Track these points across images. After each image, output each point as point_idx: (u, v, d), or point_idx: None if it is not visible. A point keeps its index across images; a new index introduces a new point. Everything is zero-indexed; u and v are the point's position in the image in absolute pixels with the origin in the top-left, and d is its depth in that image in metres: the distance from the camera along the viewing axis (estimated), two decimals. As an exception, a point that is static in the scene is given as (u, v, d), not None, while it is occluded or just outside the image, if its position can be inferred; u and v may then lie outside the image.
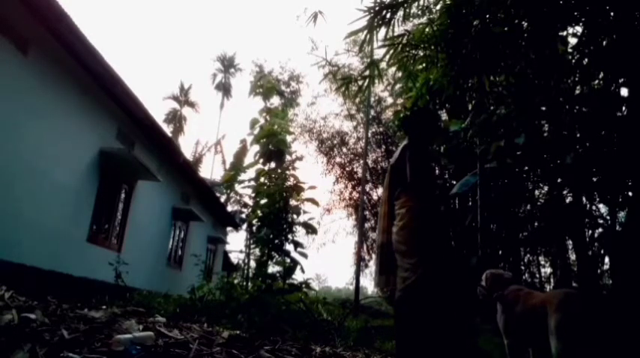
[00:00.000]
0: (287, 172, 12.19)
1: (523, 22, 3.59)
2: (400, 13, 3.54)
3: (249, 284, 10.96)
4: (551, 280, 8.39)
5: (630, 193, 3.59)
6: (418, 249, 2.74)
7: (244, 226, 17.36)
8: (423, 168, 2.90)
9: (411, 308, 2.67)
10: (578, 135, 3.98)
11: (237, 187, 16.40)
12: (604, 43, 3.43)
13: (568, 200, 4.96)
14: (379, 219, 3.13)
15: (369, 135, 12.69)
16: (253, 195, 13.61)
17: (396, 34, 3.69)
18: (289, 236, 11.40)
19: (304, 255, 12.05)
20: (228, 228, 17.91)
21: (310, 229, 12.68)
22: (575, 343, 2.32)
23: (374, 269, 3.14)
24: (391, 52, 3.77)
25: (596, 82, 3.87)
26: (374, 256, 15.70)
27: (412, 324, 2.66)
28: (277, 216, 10.81)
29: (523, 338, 2.70)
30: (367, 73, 4.17)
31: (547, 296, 2.66)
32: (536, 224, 6.74)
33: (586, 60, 3.66)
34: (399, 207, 2.91)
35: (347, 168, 15.41)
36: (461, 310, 2.81)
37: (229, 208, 18.49)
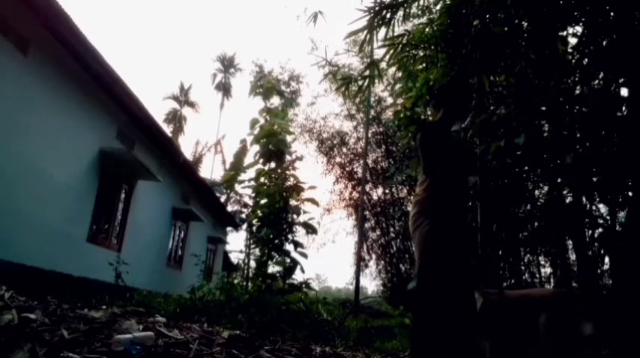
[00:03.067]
0: (287, 172, 12.16)
1: (523, 22, 3.59)
2: (400, 13, 3.54)
3: (249, 284, 10.95)
4: (551, 280, 8.38)
5: (630, 193, 3.59)
6: (417, 240, 2.62)
7: (244, 226, 17.35)
8: (434, 154, 2.69)
9: (418, 302, 2.55)
10: (578, 135, 3.97)
11: (237, 187, 16.37)
12: (604, 43, 3.43)
13: (568, 200, 4.95)
14: None
15: (369, 135, 12.70)
16: (253, 195, 13.59)
17: (396, 34, 3.69)
18: (289, 236, 11.37)
19: (304, 255, 12.02)
20: (228, 228, 17.91)
21: (310, 229, 12.65)
22: (561, 342, 2.29)
23: None
24: (391, 52, 3.77)
25: (596, 82, 3.87)
26: (374, 256, 15.72)
27: (422, 319, 2.53)
28: (277, 216, 10.79)
29: (505, 341, 2.63)
30: (367, 73, 4.16)
31: (531, 294, 2.60)
32: (536, 224, 6.73)
33: (586, 60, 3.66)
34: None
35: (347, 168, 15.41)
36: (469, 308, 2.64)
37: (229, 208, 18.50)
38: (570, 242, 5.75)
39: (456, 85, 3.01)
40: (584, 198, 4.50)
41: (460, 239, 2.64)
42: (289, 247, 11.29)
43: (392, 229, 14.19)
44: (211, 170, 42.64)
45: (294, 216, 11.69)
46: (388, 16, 3.48)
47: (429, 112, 5.99)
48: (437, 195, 2.65)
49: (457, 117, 2.95)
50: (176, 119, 30.72)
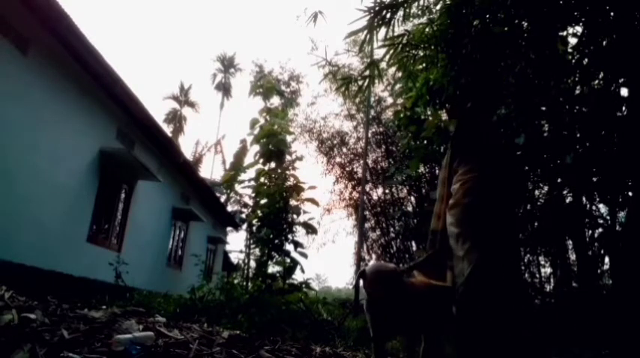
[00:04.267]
0: (287, 172, 12.17)
1: (523, 22, 3.59)
2: (400, 13, 3.54)
3: (249, 284, 10.95)
4: (551, 280, 8.38)
5: (630, 193, 3.60)
6: (471, 230, 2.27)
7: (244, 226, 17.33)
8: (480, 135, 2.54)
9: (475, 305, 2.19)
10: (578, 135, 3.98)
11: (237, 187, 16.36)
12: (604, 43, 3.44)
13: (568, 200, 4.96)
14: (436, 202, 2.71)
15: (369, 135, 12.67)
16: (253, 195, 13.60)
17: (396, 34, 3.69)
18: (289, 236, 11.38)
19: (304, 255, 12.03)
20: (228, 228, 17.92)
21: (310, 229, 12.65)
22: None
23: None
24: (391, 52, 3.77)
25: (596, 82, 3.87)
26: (374, 256, 15.73)
27: (478, 326, 2.18)
28: (277, 216, 10.80)
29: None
30: (367, 73, 4.16)
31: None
32: (536, 224, 6.73)
33: (586, 60, 3.66)
34: (454, 183, 2.48)
35: (347, 168, 15.39)
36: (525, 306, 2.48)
37: (229, 208, 18.49)
38: (570, 242, 5.76)
39: (483, 78, 3.02)
40: (584, 198, 4.50)
41: (513, 236, 2.52)
42: (289, 247, 11.29)
43: (392, 229, 14.17)
44: (211, 170, 42.69)
45: (294, 216, 11.69)
46: (388, 16, 3.48)
47: (429, 112, 5.99)
48: (486, 192, 2.39)
49: (486, 109, 2.88)
50: (176, 119, 30.73)
